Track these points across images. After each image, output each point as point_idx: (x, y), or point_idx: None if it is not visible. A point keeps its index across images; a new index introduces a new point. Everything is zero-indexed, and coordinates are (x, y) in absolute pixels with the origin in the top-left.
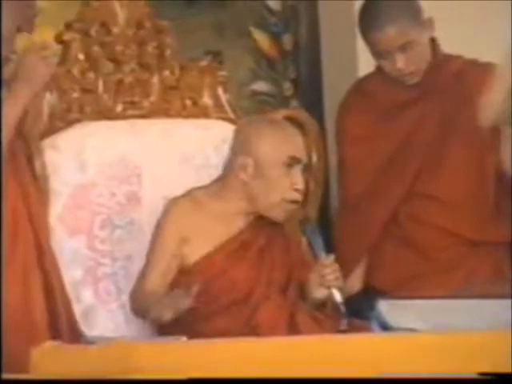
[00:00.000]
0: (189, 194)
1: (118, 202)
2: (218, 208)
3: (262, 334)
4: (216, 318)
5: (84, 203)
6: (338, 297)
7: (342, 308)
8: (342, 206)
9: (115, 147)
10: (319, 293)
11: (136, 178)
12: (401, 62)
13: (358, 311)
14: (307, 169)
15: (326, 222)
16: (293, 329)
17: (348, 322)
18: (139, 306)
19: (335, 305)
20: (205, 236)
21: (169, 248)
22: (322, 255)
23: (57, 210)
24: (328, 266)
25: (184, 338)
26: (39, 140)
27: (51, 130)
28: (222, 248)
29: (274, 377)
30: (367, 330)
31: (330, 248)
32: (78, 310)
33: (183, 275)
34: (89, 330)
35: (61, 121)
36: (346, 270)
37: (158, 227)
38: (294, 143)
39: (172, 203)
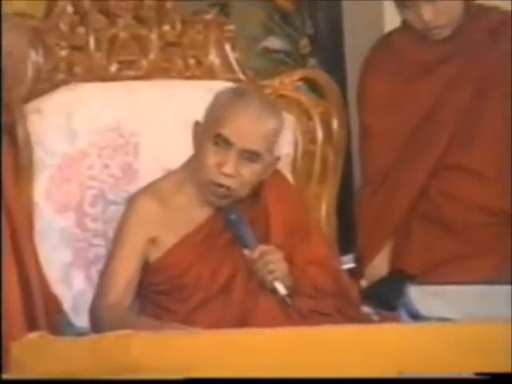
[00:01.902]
0: (150, 189)
1: (112, 174)
2: (181, 200)
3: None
4: (196, 315)
5: (73, 176)
6: (281, 289)
7: (288, 300)
8: (365, 181)
9: (108, 112)
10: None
11: (132, 148)
12: (428, 13)
13: (383, 298)
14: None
15: (347, 197)
16: (289, 321)
17: (374, 311)
18: (102, 324)
19: (281, 298)
20: (172, 233)
21: (136, 253)
22: (252, 246)
23: (42, 185)
24: (258, 259)
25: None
26: (22, 104)
27: (35, 93)
28: (184, 242)
29: (273, 377)
30: (394, 319)
31: (352, 227)
32: (67, 296)
33: (145, 275)
34: (79, 319)
35: (46, 82)
36: (370, 252)
37: (121, 230)
38: (235, 123)
39: (134, 202)
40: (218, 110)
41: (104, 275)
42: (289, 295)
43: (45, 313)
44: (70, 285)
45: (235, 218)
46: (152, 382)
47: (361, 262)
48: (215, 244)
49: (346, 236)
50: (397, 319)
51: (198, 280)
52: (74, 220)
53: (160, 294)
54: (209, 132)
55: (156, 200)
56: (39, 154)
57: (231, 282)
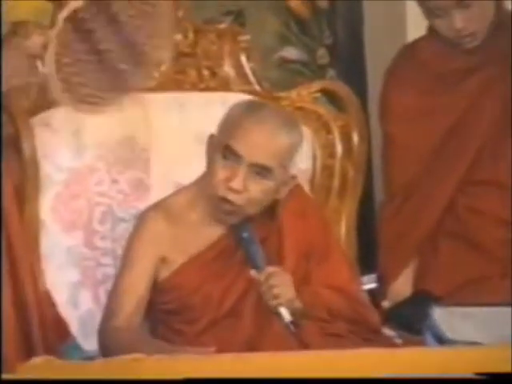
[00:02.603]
0: (160, 206)
1: (122, 190)
2: (192, 218)
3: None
4: (204, 337)
5: (81, 192)
6: (285, 316)
7: (292, 328)
8: (388, 196)
9: (118, 125)
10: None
11: (143, 163)
12: (459, 20)
13: (407, 320)
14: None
15: (368, 215)
16: (300, 344)
17: (396, 334)
18: (111, 347)
19: (286, 325)
20: (182, 252)
21: (146, 273)
22: (261, 268)
23: (49, 201)
24: (263, 281)
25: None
26: (28, 116)
27: (43, 105)
28: (194, 261)
29: (273, 377)
30: (419, 343)
31: (373, 245)
32: (74, 317)
33: (154, 294)
34: (87, 343)
35: None
36: (393, 271)
37: (131, 248)
38: (246, 135)
39: (143, 220)
40: (230, 123)
41: (113, 295)
42: (293, 322)
43: (47, 336)
44: (78, 306)
45: (247, 236)
46: (152, 381)
47: (383, 281)
48: (226, 264)
49: (367, 254)
50: (421, 343)
51: (207, 301)
52: (82, 238)
53: (169, 314)
54: (219, 145)
55: (166, 218)
56: (46, 169)
57: (241, 303)
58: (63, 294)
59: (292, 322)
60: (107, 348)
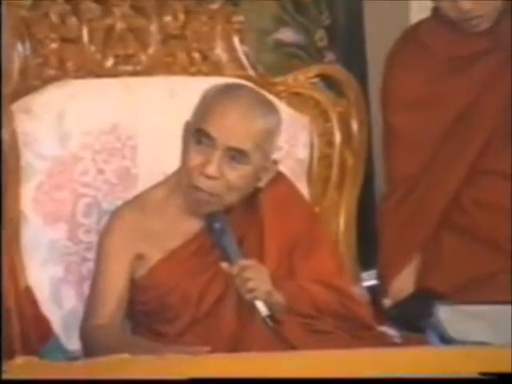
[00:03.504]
0: (136, 201)
1: (107, 180)
2: (170, 212)
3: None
4: (186, 337)
5: (64, 182)
6: (262, 310)
7: (269, 322)
8: (389, 189)
9: (104, 112)
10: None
11: (130, 151)
12: (467, 2)
13: (409, 319)
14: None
15: (368, 207)
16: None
17: (398, 333)
18: (94, 346)
19: (262, 319)
20: (159, 248)
21: (123, 270)
22: (234, 261)
23: (30, 192)
24: (236, 275)
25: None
26: (8, 103)
27: (23, 91)
28: (170, 258)
29: (273, 377)
30: (422, 343)
31: (374, 240)
32: (57, 316)
33: (131, 293)
34: (71, 342)
35: (35, 78)
36: (394, 267)
37: (104, 247)
38: (219, 118)
39: (116, 215)
40: (203, 106)
41: (91, 293)
42: (271, 316)
43: (28, 336)
44: (61, 303)
45: (219, 226)
46: (152, 381)
47: (384, 278)
48: (205, 260)
49: (367, 250)
50: (423, 342)
51: (185, 299)
52: (66, 232)
53: (148, 315)
54: (192, 129)
55: (142, 212)
56: (27, 157)
57: (222, 301)
58: (45, 291)
59: (269, 317)
60: (90, 347)
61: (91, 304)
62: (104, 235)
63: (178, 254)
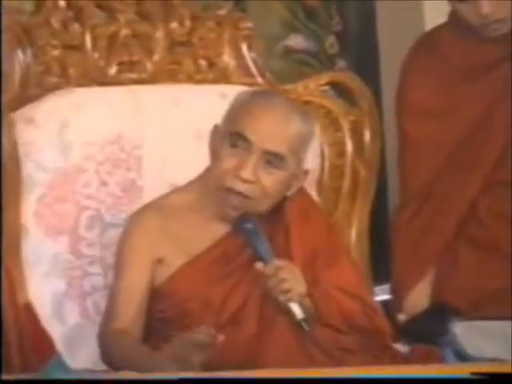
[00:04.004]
0: (156, 204)
1: (111, 192)
2: (192, 217)
3: (268, 366)
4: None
5: (67, 195)
6: (297, 312)
7: (305, 326)
8: (403, 199)
9: (108, 122)
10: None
11: (135, 162)
12: (486, 5)
13: (424, 335)
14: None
15: (381, 218)
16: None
17: (412, 350)
18: (112, 352)
19: (297, 323)
20: (181, 253)
21: (144, 275)
22: (267, 261)
23: (31, 204)
24: (272, 275)
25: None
26: (8, 111)
27: (24, 99)
28: (193, 263)
29: (273, 377)
30: (438, 360)
31: (387, 252)
32: (59, 332)
33: (150, 300)
34: (74, 360)
35: (37, 87)
36: (409, 281)
37: (124, 251)
38: (256, 121)
39: (137, 218)
40: (237, 109)
41: (111, 298)
42: (306, 320)
43: (27, 353)
44: (63, 319)
45: (251, 227)
46: (152, 381)
47: (397, 293)
48: (228, 266)
49: (380, 263)
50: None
51: (206, 306)
52: (68, 245)
53: (163, 323)
54: (226, 133)
55: (163, 217)
56: (28, 168)
57: (244, 309)
58: (47, 306)
59: (304, 320)
60: (107, 354)
61: (110, 309)
62: (123, 239)
63: (201, 260)
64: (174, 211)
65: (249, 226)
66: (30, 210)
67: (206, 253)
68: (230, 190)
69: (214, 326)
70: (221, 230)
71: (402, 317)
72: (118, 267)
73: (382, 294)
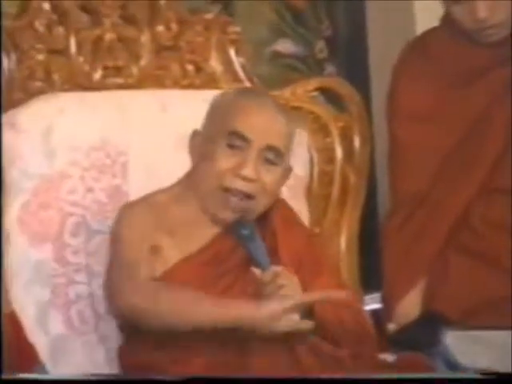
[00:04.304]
0: (144, 199)
1: (97, 199)
2: (181, 214)
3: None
4: (191, 351)
5: (51, 201)
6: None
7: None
8: (393, 206)
9: (93, 127)
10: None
11: (120, 168)
12: (483, 9)
13: (415, 345)
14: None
15: (371, 226)
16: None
17: (400, 358)
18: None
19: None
20: (177, 242)
21: (140, 256)
22: (265, 267)
23: (15, 211)
24: (270, 281)
25: None
26: None
27: (8, 104)
28: (188, 262)
29: (274, 377)
30: (428, 369)
31: (377, 261)
32: (43, 342)
33: None
34: (58, 371)
35: (21, 91)
36: (399, 290)
37: (117, 240)
38: (250, 118)
39: (127, 208)
40: (224, 110)
41: (113, 269)
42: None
43: (10, 364)
44: (47, 329)
45: (247, 232)
46: (152, 381)
47: (388, 302)
48: (222, 267)
49: (370, 271)
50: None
51: None
52: (52, 253)
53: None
54: (218, 136)
55: (153, 209)
56: (12, 174)
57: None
58: (30, 315)
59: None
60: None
61: (116, 276)
62: (117, 229)
63: (194, 260)
64: (162, 206)
65: (245, 232)
66: (13, 216)
67: (199, 253)
68: (230, 190)
69: None
70: (211, 231)
71: (391, 326)
72: (114, 255)
73: (371, 303)
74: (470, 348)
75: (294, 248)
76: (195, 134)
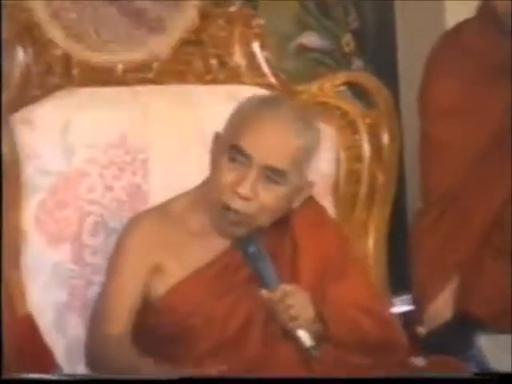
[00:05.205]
0: (156, 210)
1: (116, 198)
2: (193, 226)
3: None
4: (206, 362)
5: (69, 200)
6: (305, 340)
7: (314, 353)
8: (424, 205)
9: (112, 124)
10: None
11: (140, 166)
12: None
13: (447, 349)
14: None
15: (400, 226)
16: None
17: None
18: (100, 359)
19: (306, 351)
20: (180, 262)
21: (137, 279)
22: (273, 286)
23: (32, 210)
24: (278, 301)
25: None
26: (8, 113)
27: (25, 100)
28: (194, 277)
29: (274, 377)
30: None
31: (407, 262)
32: (60, 344)
33: (147, 314)
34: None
35: (38, 87)
36: (430, 292)
37: (119, 253)
38: (256, 134)
39: (135, 220)
40: (238, 120)
41: (101, 301)
42: (314, 347)
43: (26, 366)
44: (65, 331)
45: (254, 250)
46: (152, 381)
47: (418, 304)
48: (231, 281)
49: (400, 273)
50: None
51: (209, 322)
52: (70, 253)
53: (163, 339)
54: (224, 146)
55: (162, 222)
56: (28, 172)
57: (248, 325)
58: (48, 318)
59: (313, 347)
60: (96, 360)
61: (100, 310)
62: (119, 242)
63: (202, 274)
64: (173, 219)
65: (252, 249)
66: (30, 216)
67: (207, 267)
68: (227, 207)
69: (215, 342)
70: (222, 243)
71: (422, 329)
72: (112, 272)
73: (401, 306)
74: (502, 351)
75: (319, 252)
76: (217, 137)
